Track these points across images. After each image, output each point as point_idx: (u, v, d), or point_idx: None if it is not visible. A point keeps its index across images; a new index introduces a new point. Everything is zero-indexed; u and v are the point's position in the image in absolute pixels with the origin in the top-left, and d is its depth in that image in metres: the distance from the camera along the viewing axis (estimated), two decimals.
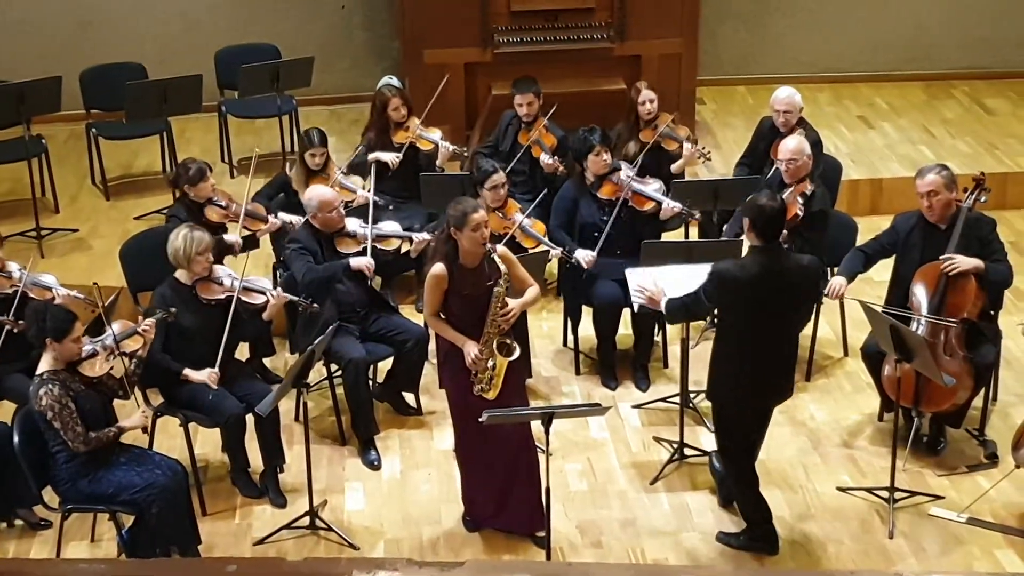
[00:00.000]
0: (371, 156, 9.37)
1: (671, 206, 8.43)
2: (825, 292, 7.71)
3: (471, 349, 6.81)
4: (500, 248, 6.93)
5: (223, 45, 11.49)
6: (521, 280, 6.96)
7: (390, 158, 9.35)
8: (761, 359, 6.74)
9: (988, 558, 6.97)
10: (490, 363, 6.79)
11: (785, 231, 7.72)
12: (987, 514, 7.27)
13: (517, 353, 6.79)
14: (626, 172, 8.56)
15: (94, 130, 10.71)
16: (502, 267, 6.74)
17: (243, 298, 7.53)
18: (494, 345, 6.79)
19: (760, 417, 7.00)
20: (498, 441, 6.91)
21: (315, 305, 7.65)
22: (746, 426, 6.97)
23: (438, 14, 10.84)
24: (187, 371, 7.36)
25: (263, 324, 7.81)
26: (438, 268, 6.84)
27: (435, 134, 9.48)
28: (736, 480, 7.07)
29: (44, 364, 6.75)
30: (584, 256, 8.35)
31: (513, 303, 6.83)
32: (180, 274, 7.51)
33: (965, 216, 7.55)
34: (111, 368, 6.96)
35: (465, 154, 9.64)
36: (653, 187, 8.55)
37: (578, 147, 8.57)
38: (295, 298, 7.63)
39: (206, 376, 7.34)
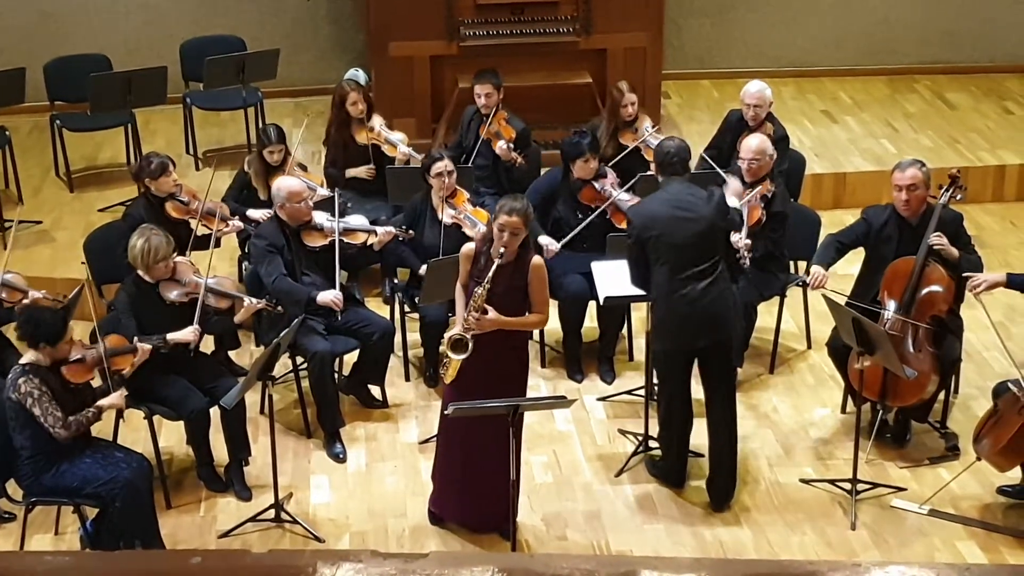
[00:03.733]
0: (349, 173, 9.38)
1: None
2: (808, 283, 7.71)
3: (455, 329, 6.86)
4: (537, 259, 6.87)
5: (188, 37, 11.46)
6: (536, 302, 6.88)
7: (364, 173, 9.35)
8: (684, 294, 6.99)
9: (949, 549, 7.03)
10: (449, 354, 6.82)
11: (748, 239, 7.79)
12: (948, 506, 7.33)
13: (466, 354, 6.72)
14: (612, 182, 8.56)
15: (58, 122, 10.66)
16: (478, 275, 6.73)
17: (208, 301, 7.50)
18: (451, 340, 6.81)
19: (684, 362, 7.21)
20: (485, 442, 6.88)
21: (279, 308, 7.64)
22: (672, 369, 7.24)
23: (403, 7, 10.82)
24: (169, 335, 7.30)
25: (230, 322, 7.78)
26: (468, 247, 6.93)
27: (397, 136, 9.46)
28: (661, 420, 7.39)
29: (28, 357, 6.74)
30: (548, 243, 8.36)
31: (492, 314, 6.74)
32: (142, 272, 7.47)
33: (940, 213, 7.59)
34: (91, 379, 6.95)
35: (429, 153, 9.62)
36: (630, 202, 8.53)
37: (567, 151, 8.55)
38: (263, 303, 7.61)
39: (191, 334, 7.32)
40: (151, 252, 7.33)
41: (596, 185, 8.53)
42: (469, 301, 6.76)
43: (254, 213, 8.69)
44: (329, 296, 7.83)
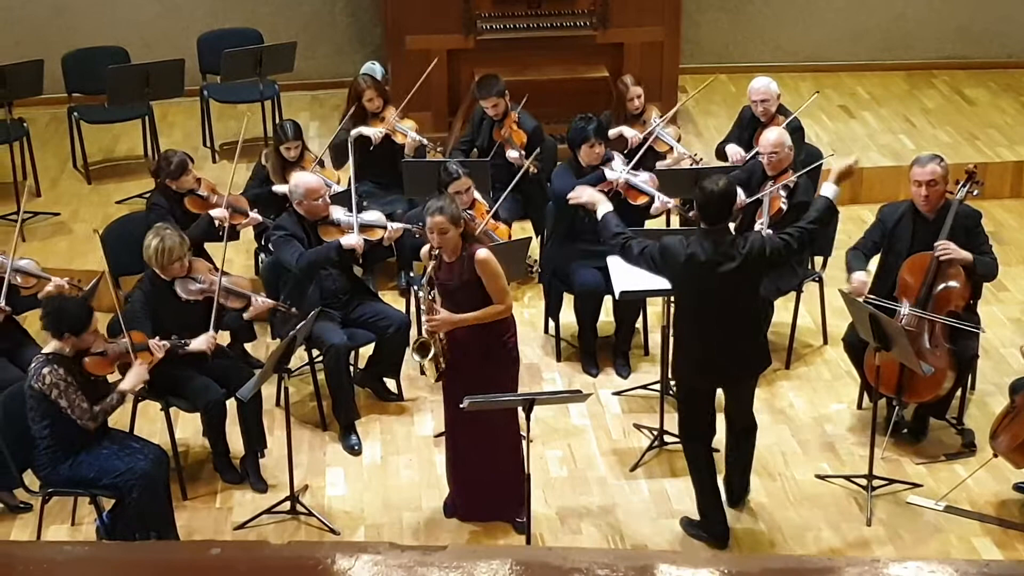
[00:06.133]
0: (355, 131, 9.37)
1: (664, 202, 8.40)
2: (848, 292, 7.63)
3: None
4: (481, 253, 6.84)
5: (205, 30, 11.48)
6: (492, 293, 6.85)
7: (373, 133, 9.36)
8: (705, 335, 6.78)
9: (965, 546, 7.02)
10: (414, 356, 6.91)
11: (770, 230, 7.76)
12: (964, 502, 7.32)
13: (431, 354, 6.80)
14: (620, 164, 8.56)
15: (76, 114, 10.69)
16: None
17: (221, 300, 7.51)
18: (415, 344, 6.90)
19: (703, 397, 6.99)
20: (487, 430, 6.91)
21: (293, 309, 7.64)
22: (692, 403, 7.02)
23: (420, 0, 10.83)
24: (190, 345, 7.31)
25: (240, 319, 7.79)
26: (423, 251, 7.01)
27: (407, 125, 9.48)
28: (689, 466, 7.13)
29: (51, 346, 6.76)
30: (614, 175, 8.40)
31: (443, 315, 6.79)
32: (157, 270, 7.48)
33: (956, 209, 7.58)
34: (111, 373, 6.96)
35: (438, 147, 9.61)
36: (647, 182, 8.53)
37: (572, 136, 8.54)
38: (276, 303, 7.63)
39: (205, 343, 7.32)
40: (165, 252, 7.33)
41: (606, 169, 8.52)
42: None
43: (280, 189, 8.69)
44: (353, 239, 7.92)
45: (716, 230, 6.70)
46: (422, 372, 7.03)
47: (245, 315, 7.65)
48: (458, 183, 8.27)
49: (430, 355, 6.82)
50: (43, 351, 6.77)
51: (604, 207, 7.11)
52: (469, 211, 8.37)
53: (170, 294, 7.43)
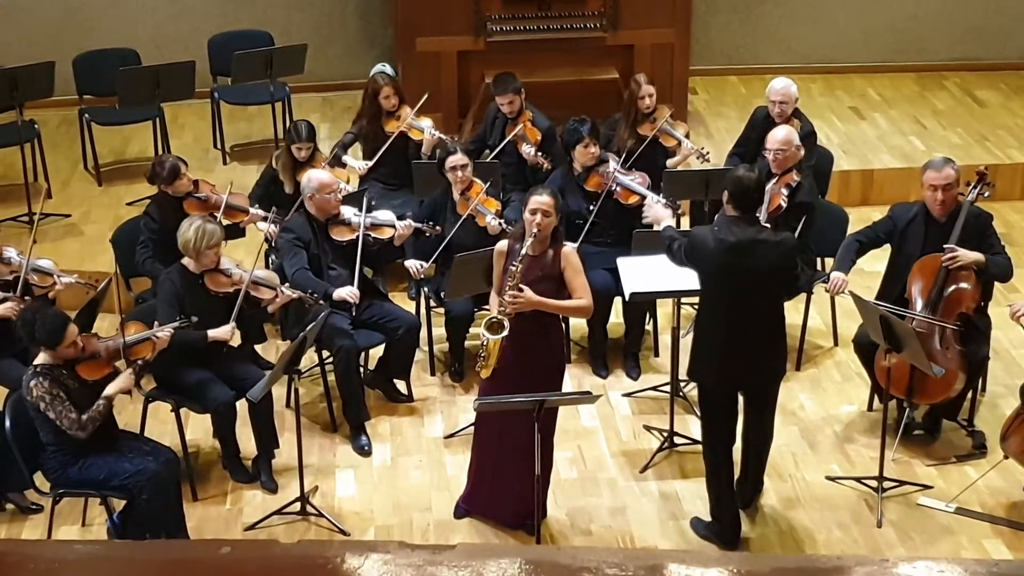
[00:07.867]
0: (345, 158, 9.41)
1: (655, 199, 8.39)
2: (826, 288, 7.69)
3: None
4: (568, 247, 6.87)
5: (215, 32, 11.49)
6: (575, 289, 6.83)
7: (358, 167, 9.38)
8: (731, 334, 6.75)
9: (976, 547, 7.00)
10: (484, 339, 6.79)
11: (764, 218, 7.77)
12: (975, 504, 7.30)
13: (503, 333, 6.68)
14: (614, 164, 8.57)
15: (87, 115, 10.70)
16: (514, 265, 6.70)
17: (251, 292, 7.52)
18: (487, 322, 6.77)
19: (724, 401, 6.96)
20: (518, 438, 6.86)
21: (322, 302, 7.64)
22: (714, 407, 6.99)
23: (431, 2, 10.82)
24: (210, 332, 7.34)
25: (265, 315, 7.80)
26: (501, 244, 6.94)
27: (425, 122, 9.49)
28: (707, 470, 7.10)
29: (41, 358, 6.75)
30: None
31: (528, 293, 6.70)
32: (187, 262, 7.49)
33: (967, 210, 7.56)
34: (110, 372, 6.95)
35: (456, 141, 9.61)
36: (639, 181, 8.54)
37: (567, 137, 8.57)
38: (303, 295, 7.62)
39: (227, 332, 7.36)
40: (205, 236, 7.34)
41: (600, 170, 8.52)
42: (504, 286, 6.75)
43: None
44: (344, 292, 7.82)
45: (745, 217, 6.72)
46: (480, 361, 6.81)
47: (270, 308, 7.64)
48: (454, 158, 8.30)
49: (504, 332, 6.65)
50: (34, 362, 6.74)
51: (666, 222, 7.28)
52: (466, 193, 8.36)
53: (198, 287, 7.43)
